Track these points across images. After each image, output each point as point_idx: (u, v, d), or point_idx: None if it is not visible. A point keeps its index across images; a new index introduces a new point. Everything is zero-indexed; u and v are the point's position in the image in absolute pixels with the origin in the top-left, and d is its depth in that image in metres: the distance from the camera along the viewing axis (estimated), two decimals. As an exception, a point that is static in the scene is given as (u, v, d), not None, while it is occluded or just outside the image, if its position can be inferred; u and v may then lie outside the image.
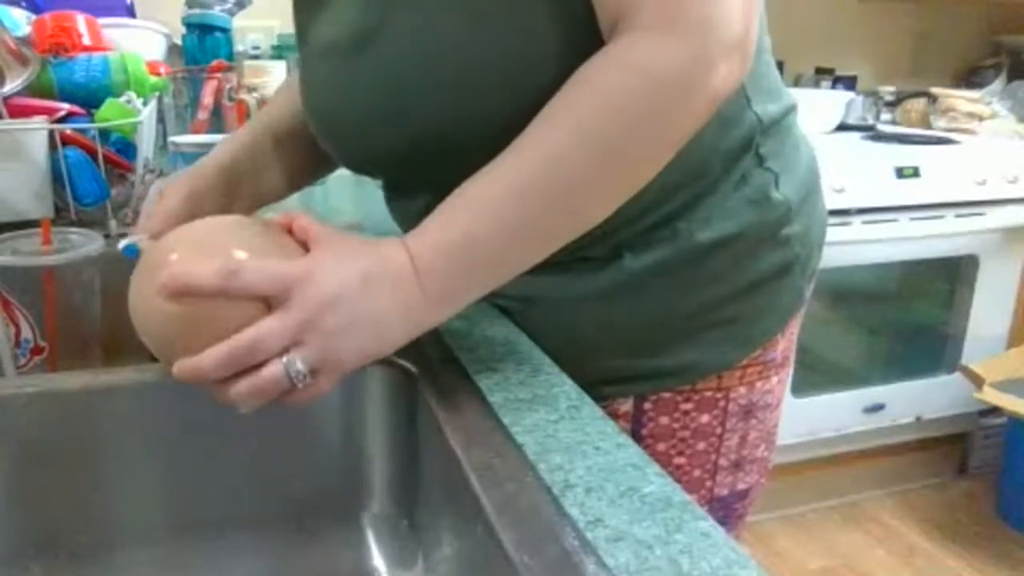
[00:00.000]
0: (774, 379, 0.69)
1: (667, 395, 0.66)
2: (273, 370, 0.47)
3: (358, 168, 0.68)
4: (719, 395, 0.66)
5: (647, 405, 0.66)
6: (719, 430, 0.68)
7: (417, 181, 0.65)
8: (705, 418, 0.67)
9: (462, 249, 0.50)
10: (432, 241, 0.50)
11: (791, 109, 0.68)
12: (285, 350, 0.47)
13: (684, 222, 0.61)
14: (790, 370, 0.72)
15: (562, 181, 0.50)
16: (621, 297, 0.63)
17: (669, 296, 0.63)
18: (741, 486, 0.71)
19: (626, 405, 0.66)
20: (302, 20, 0.66)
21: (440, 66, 0.54)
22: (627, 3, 0.50)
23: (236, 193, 0.68)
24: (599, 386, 0.61)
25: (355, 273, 0.49)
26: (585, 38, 0.52)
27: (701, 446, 0.68)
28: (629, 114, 0.50)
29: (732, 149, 0.62)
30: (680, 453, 0.68)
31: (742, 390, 0.67)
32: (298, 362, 0.47)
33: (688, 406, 0.66)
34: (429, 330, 0.52)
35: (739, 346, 0.66)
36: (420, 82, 0.55)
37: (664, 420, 0.66)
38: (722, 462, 0.69)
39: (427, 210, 0.52)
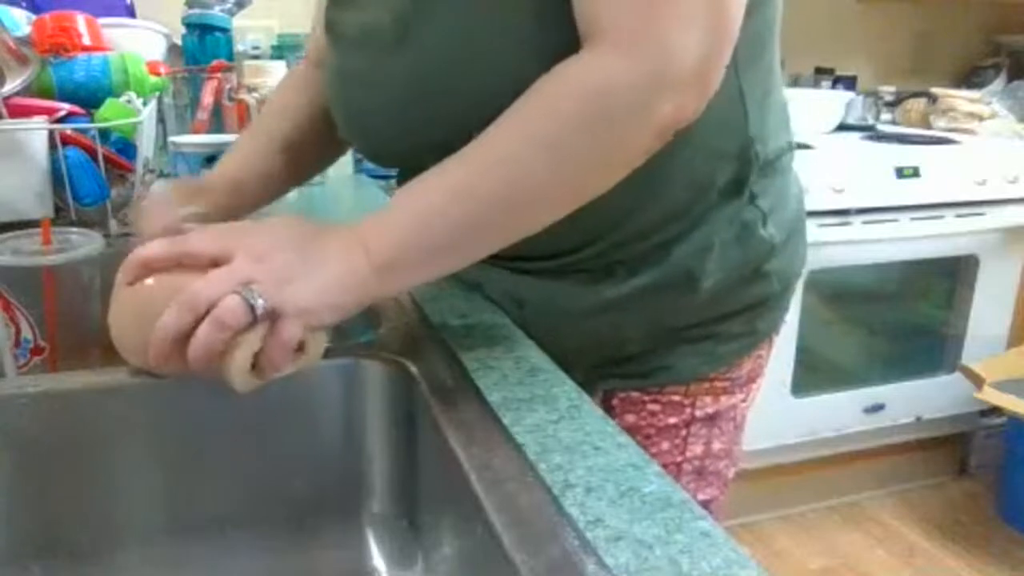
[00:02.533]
0: (739, 395, 0.71)
1: (635, 394, 0.68)
2: (229, 300, 0.47)
3: (384, 162, 0.69)
4: (686, 401, 0.68)
5: (615, 401, 0.68)
6: (684, 432, 0.69)
7: None
8: (672, 420, 0.69)
9: (406, 228, 0.51)
10: (377, 218, 0.52)
11: (790, 149, 0.70)
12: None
13: (676, 248, 0.63)
14: (755, 394, 0.74)
15: (499, 177, 0.51)
16: (610, 312, 0.65)
17: (654, 315, 0.65)
18: (701, 497, 0.72)
19: (595, 398, 0.68)
20: (334, 13, 0.67)
21: (474, 59, 0.55)
22: (597, 20, 0.51)
23: (242, 201, 0.70)
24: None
25: (296, 230, 0.51)
26: None
27: (665, 445, 0.69)
28: (568, 120, 0.50)
29: (726, 184, 0.63)
30: (644, 450, 0.69)
31: (708, 399, 0.69)
32: (255, 293, 0.47)
33: (655, 407, 0.68)
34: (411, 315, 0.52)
35: (709, 362, 0.68)
36: (455, 75, 0.56)
37: (630, 418, 0.68)
38: (686, 467, 0.70)
39: None
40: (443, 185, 0.52)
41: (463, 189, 0.51)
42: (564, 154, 0.51)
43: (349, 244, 0.51)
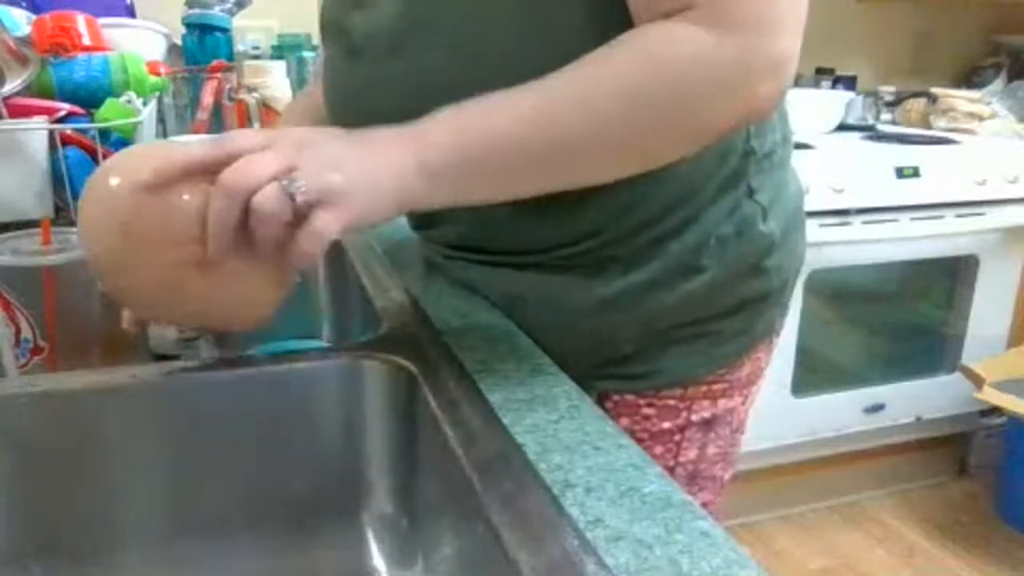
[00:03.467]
0: (737, 398, 0.70)
1: (630, 397, 0.67)
2: (270, 188, 0.46)
3: None
4: (682, 405, 0.67)
5: (609, 404, 0.68)
6: (677, 437, 0.69)
7: None
8: (666, 424, 0.68)
9: (466, 132, 0.50)
10: (439, 118, 0.50)
11: (788, 144, 0.69)
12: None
13: (673, 243, 0.62)
14: (755, 396, 0.73)
15: (584, 115, 0.50)
16: (605, 308, 0.64)
17: (650, 311, 0.64)
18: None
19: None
20: (335, 16, 0.66)
21: (479, 66, 0.55)
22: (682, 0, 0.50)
23: None
24: None
25: (338, 130, 0.50)
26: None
27: (658, 450, 0.69)
28: (672, 85, 0.49)
29: (726, 177, 0.63)
30: None
31: (705, 403, 0.68)
32: (297, 180, 0.46)
33: (650, 411, 0.67)
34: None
35: (706, 363, 0.67)
36: (459, 81, 0.55)
37: (624, 421, 0.68)
38: (679, 471, 0.70)
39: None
40: (516, 111, 0.50)
41: (540, 117, 0.50)
42: (657, 115, 0.50)
43: (399, 140, 0.49)
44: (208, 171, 0.48)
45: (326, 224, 0.46)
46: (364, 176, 0.48)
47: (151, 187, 0.48)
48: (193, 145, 0.50)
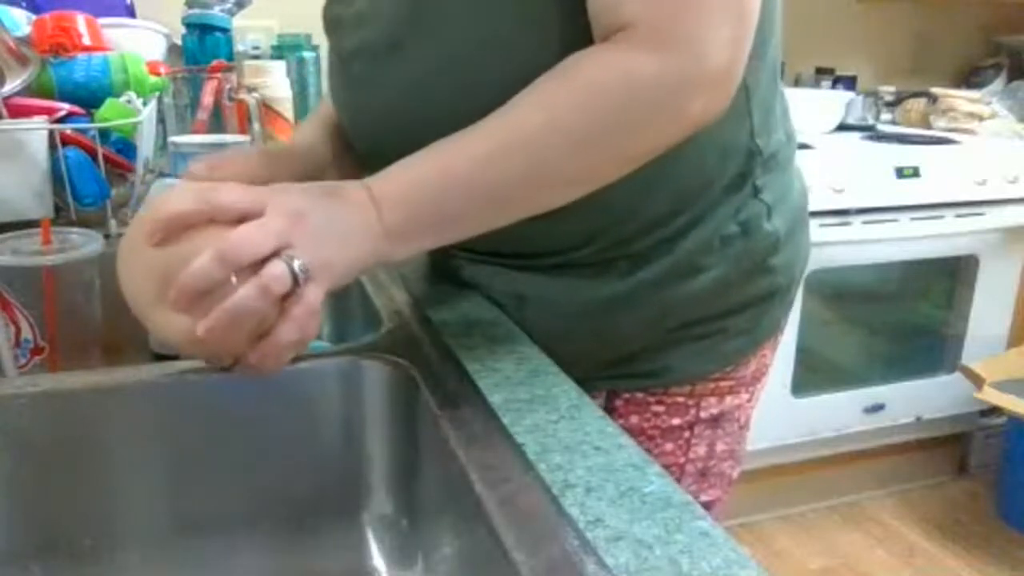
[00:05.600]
0: (744, 395, 0.71)
1: (639, 395, 0.68)
2: (274, 265, 0.46)
3: (382, 163, 0.69)
4: (690, 402, 0.68)
5: (619, 402, 0.68)
6: (687, 434, 0.69)
7: None
8: (676, 421, 0.68)
9: (419, 191, 0.52)
10: (391, 178, 0.53)
11: (792, 143, 0.70)
12: (276, 253, 0.47)
13: (680, 243, 0.63)
14: (760, 393, 0.74)
15: (524, 156, 0.52)
16: (612, 307, 0.64)
17: (657, 310, 0.65)
18: (704, 498, 0.72)
19: (599, 399, 0.67)
20: (333, 12, 0.67)
21: (470, 71, 0.56)
22: (625, 18, 0.51)
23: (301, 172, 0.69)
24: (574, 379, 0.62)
25: (317, 191, 0.52)
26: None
27: (668, 447, 0.69)
28: (601, 114, 0.51)
29: (732, 178, 0.63)
30: (647, 451, 0.69)
31: (712, 400, 0.69)
32: (297, 258, 0.47)
33: (659, 408, 0.68)
34: (411, 311, 0.52)
35: (714, 360, 0.68)
36: (451, 85, 0.56)
37: (634, 419, 0.68)
38: (689, 468, 0.70)
39: None
40: (463, 158, 0.52)
41: (482, 167, 0.52)
42: (589, 146, 0.52)
43: (365, 205, 0.51)
44: (201, 221, 0.49)
45: (317, 296, 0.49)
46: (345, 246, 0.50)
47: (150, 239, 0.49)
48: (181, 192, 0.50)
